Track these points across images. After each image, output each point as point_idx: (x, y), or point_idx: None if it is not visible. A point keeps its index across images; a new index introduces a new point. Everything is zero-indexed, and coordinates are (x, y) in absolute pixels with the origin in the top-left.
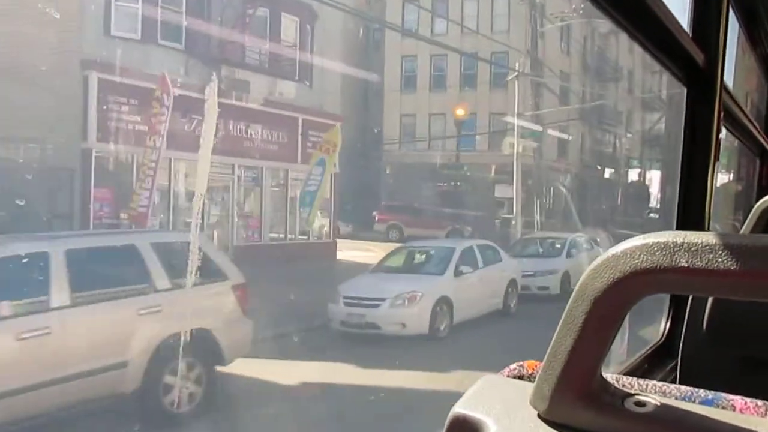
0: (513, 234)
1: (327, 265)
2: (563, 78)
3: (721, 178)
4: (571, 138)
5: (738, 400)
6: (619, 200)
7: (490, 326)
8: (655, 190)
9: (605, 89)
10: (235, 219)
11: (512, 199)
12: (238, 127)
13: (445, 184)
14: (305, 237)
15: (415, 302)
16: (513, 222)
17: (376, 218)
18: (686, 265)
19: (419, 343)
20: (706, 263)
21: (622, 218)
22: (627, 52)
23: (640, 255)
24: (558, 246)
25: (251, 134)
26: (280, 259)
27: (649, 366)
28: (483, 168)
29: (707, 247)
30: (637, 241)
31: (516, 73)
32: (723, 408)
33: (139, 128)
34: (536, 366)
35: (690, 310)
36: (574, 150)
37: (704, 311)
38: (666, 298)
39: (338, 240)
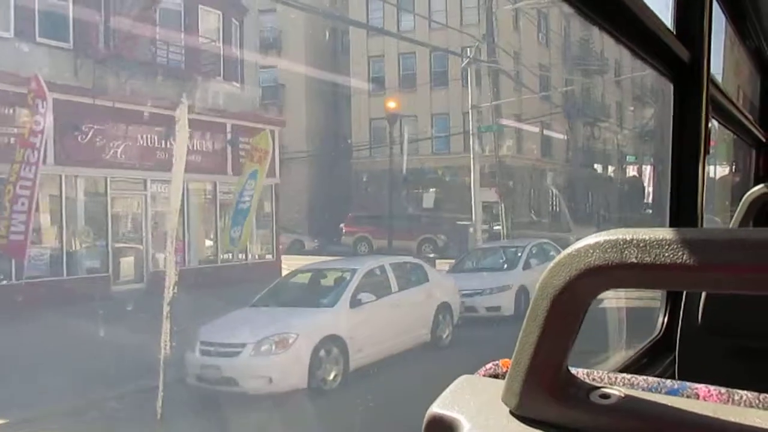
0: (473, 243)
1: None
2: (536, 67)
3: (720, 170)
4: (546, 133)
5: (702, 388)
6: (603, 198)
7: (407, 367)
8: (641, 186)
9: (583, 78)
10: (150, 241)
11: (474, 203)
12: (149, 136)
13: (419, 190)
14: (243, 257)
15: (286, 347)
16: (471, 230)
17: (344, 230)
18: (635, 261)
19: (293, 402)
20: (654, 258)
21: (608, 217)
22: (607, 39)
23: (593, 253)
24: (516, 256)
25: (166, 144)
26: (209, 285)
27: (647, 361)
28: (460, 171)
29: (655, 243)
30: (591, 239)
31: (467, 60)
32: (687, 397)
33: (5, 140)
34: (510, 364)
35: (685, 305)
36: (554, 146)
37: (699, 304)
38: (663, 292)
39: (297, 257)
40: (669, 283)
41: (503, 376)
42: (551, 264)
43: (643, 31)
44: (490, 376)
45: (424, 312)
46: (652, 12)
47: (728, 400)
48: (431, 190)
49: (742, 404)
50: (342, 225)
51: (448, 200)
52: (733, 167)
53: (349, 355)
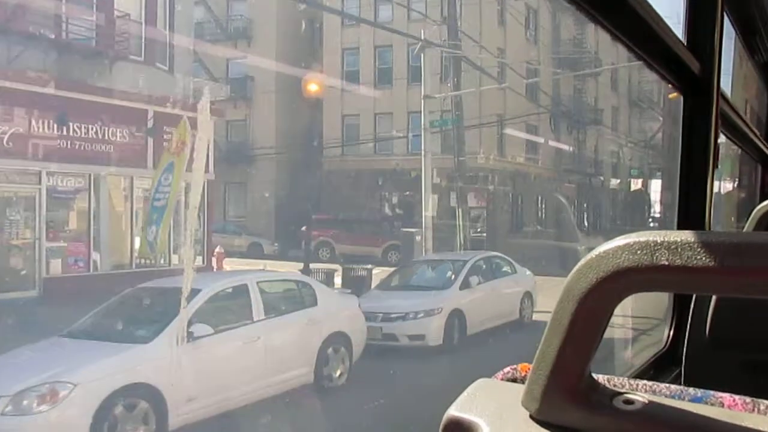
0: (419, 253)
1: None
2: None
3: (726, 185)
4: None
5: (727, 397)
6: (582, 205)
7: (256, 422)
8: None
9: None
10: (44, 243)
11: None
12: (46, 122)
13: (391, 192)
14: (165, 263)
15: (55, 401)
16: (418, 238)
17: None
18: (666, 263)
19: None
20: (686, 261)
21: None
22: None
23: (622, 254)
24: (453, 272)
25: (68, 131)
26: (107, 294)
27: (654, 373)
28: (437, 173)
29: (686, 245)
30: (620, 241)
31: (419, 44)
32: (711, 405)
33: None
34: (529, 368)
35: (693, 316)
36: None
37: (707, 317)
38: (669, 305)
39: (253, 261)
40: (700, 287)
41: (522, 380)
42: (577, 266)
43: (656, 41)
44: (508, 380)
45: (305, 345)
46: (665, 23)
47: (754, 410)
48: (407, 192)
49: None
50: (304, 228)
51: (422, 204)
52: (738, 183)
53: (169, 409)
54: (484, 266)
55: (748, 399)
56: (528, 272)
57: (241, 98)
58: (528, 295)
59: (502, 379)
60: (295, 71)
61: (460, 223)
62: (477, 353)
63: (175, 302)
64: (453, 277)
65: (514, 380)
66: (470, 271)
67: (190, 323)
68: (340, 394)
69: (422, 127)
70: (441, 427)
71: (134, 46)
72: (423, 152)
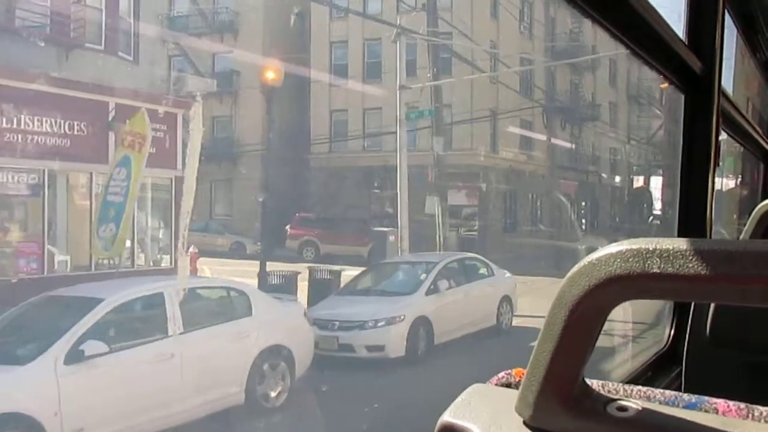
0: (393, 254)
1: None
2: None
3: (728, 183)
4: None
5: (721, 403)
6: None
7: None
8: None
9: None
10: None
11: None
12: None
13: (380, 190)
14: (129, 264)
15: None
16: (391, 238)
17: (288, 233)
18: (658, 271)
19: None
20: (678, 268)
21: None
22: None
23: (614, 262)
24: (421, 275)
25: (19, 124)
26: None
27: (653, 374)
28: (420, 169)
29: (678, 253)
30: (612, 248)
31: (396, 30)
32: (705, 411)
33: None
34: (523, 373)
35: (693, 318)
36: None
37: (707, 319)
38: (669, 306)
39: (234, 262)
40: (693, 295)
41: (516, 386)
42: (569, 274)
43: (657, 40)
44: (503, 385)
45: (234, 361)
46: (665, 22)
47: (748, 416)
48: (395, 190)
49: (762, 420)
50: (288, 227)
51: (411, 202)
52: (740, 180)
53: None
54: (456, 269)
55: (742, 405)
56: (507, 274)
57: (227, 93)
58: (507, 299)
59: (496, 384)
60: (282, 66)
61: (440, 221)
62: (444, 365)
63: (75, 314)
64: (420, 281)
65: (508, 385)
66: (440, 275)
67: (81, 340)
68: (275, 417)
69: (397, 119)
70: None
71: (93, 34)
72: (398, 147)
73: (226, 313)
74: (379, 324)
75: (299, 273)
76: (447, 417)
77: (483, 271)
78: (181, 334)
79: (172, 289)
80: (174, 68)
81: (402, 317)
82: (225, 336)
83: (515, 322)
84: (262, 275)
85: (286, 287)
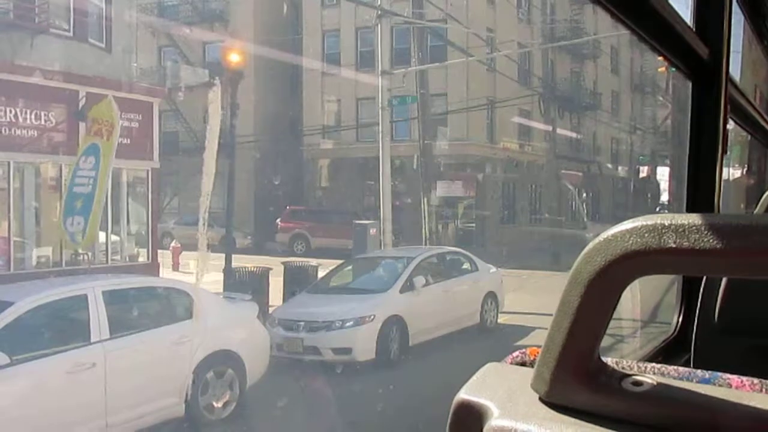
0: (373, 247)
1: None
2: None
3: (735, 171)
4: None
5: (735, 378)
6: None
7: None
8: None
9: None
10: None
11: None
12: None
13: (373, 182)
14: (104, 259)
15: None
16: (372, 231)
17: (279, 226)
18: (674, 246)
19: None
20: (693, 243)
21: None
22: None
23: (630, 238)
24: (396, 271)
25: None
26: None
27: (662, 359)
28: (413, 159)
29: (693, 228)
30: (627, 224)
31: (377, 12)
32: (719, 386)
33: None
34: (538, 352)
35: (702, 302)
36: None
37: (716, 302)
38: (678, 289)
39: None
40: (709, 269)
41: (531, 364)
42: (585, 250)
43: (663, 25)
44: (518, 363)
45: (170, 369)
46: (671, 7)
47: (761, 389)
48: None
49: None
50: (278, 220)
51: (406, 194)
52: (748, 168)
53: None
54: (436, 264)
55: (755, 380)
56: (493, 269)
57: (219, 83)
58: (492, 296)
59: (511, 363)
60: (274, 54)
61: (425, 213)
62: (418, 368)
63: None
64: (393, 278)
65: (523, 364)
66: (417, 270)
67: None
68: (218, 429)
69: (379, 106)
70: (452, 409)
71: (61, 19)
72: (380, 135)
73: (164, 316)
74: (347, 324)
75: (271, 269)
76: (463, 394)
77: (466, 266)
78: (106, 340)
79: (98, 290)
80: (165, 58)
81: (372, 317)
82: (161, 342)
83: (501, 319)
84: (227, 271)
85: (254, 284)
